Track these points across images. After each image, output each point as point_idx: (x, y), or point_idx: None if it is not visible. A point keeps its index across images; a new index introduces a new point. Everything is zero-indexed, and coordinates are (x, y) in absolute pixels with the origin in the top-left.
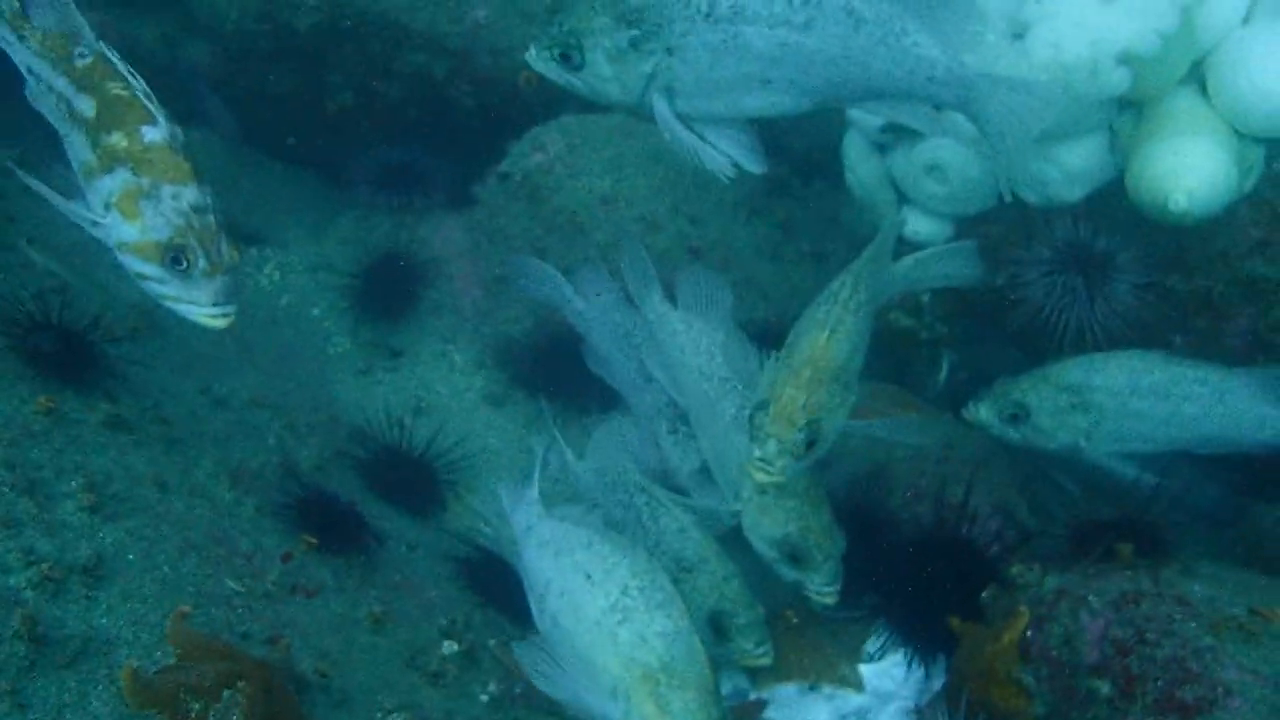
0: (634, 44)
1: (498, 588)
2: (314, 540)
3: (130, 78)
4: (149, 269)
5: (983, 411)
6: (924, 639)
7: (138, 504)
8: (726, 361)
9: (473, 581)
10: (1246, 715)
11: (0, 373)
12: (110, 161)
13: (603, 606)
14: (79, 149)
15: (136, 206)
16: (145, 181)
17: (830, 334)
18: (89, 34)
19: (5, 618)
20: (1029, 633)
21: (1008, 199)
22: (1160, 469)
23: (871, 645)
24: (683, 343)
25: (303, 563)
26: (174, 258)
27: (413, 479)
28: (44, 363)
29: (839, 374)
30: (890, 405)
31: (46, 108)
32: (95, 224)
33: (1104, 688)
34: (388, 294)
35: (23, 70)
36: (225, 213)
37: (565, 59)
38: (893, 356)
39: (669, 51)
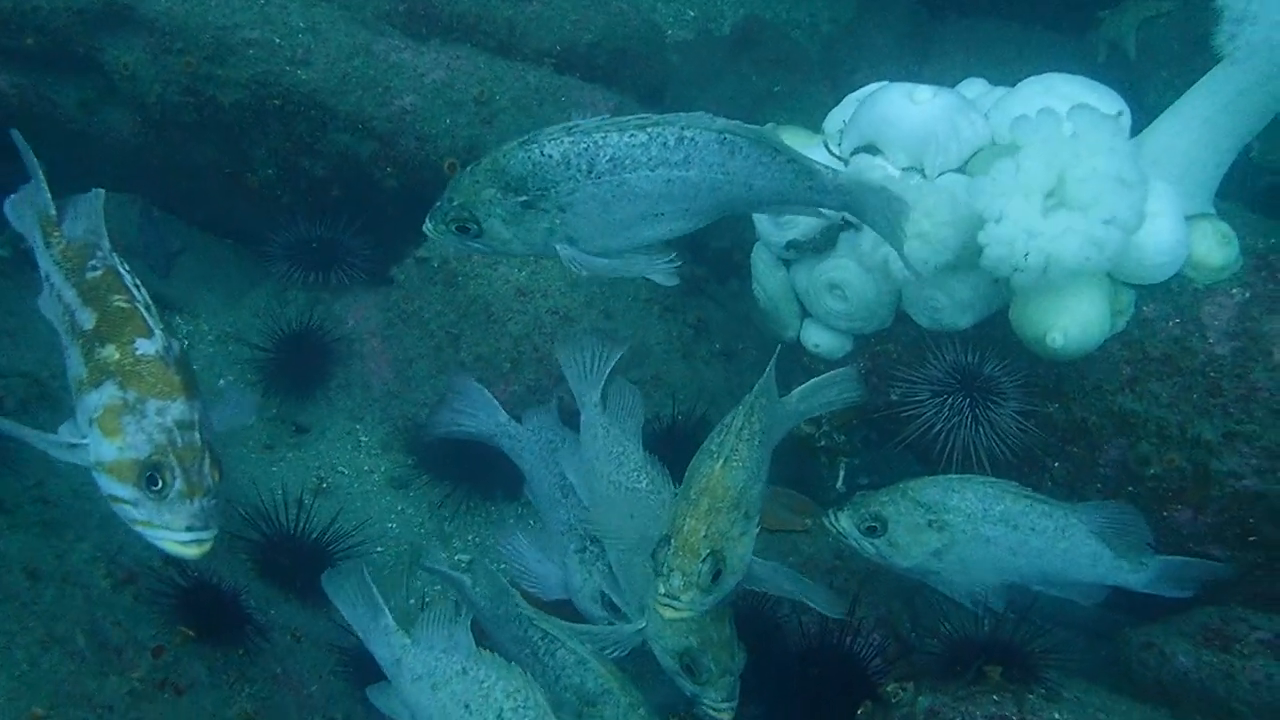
0: (526, 207)
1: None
2: (191, 633)
3: (134, 289)
4: (123, 490)
5: (842, 521)
6: None
7: (3, 594)
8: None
9: (357, 674)
10: None
11: None
12: (99, 375)
13: None
14: (74, 364)
15: (118, 422)
16: (131, 396)
17: (724, 463)
18: (106, 245)
19: None
20: None
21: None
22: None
23: None
24: (599, 449)
25: (176, 656)
26: (150, 477)
27: (308, 564)
28: None
29: (737, 502)
30: (789, 509)
31: (54, 316)
32: (72, 446)
33: None
34: (298, 369)
35: (41, 275)
36: (210, 428)
37: (463, 231)
38: (793, 461)
39: (561, 209)
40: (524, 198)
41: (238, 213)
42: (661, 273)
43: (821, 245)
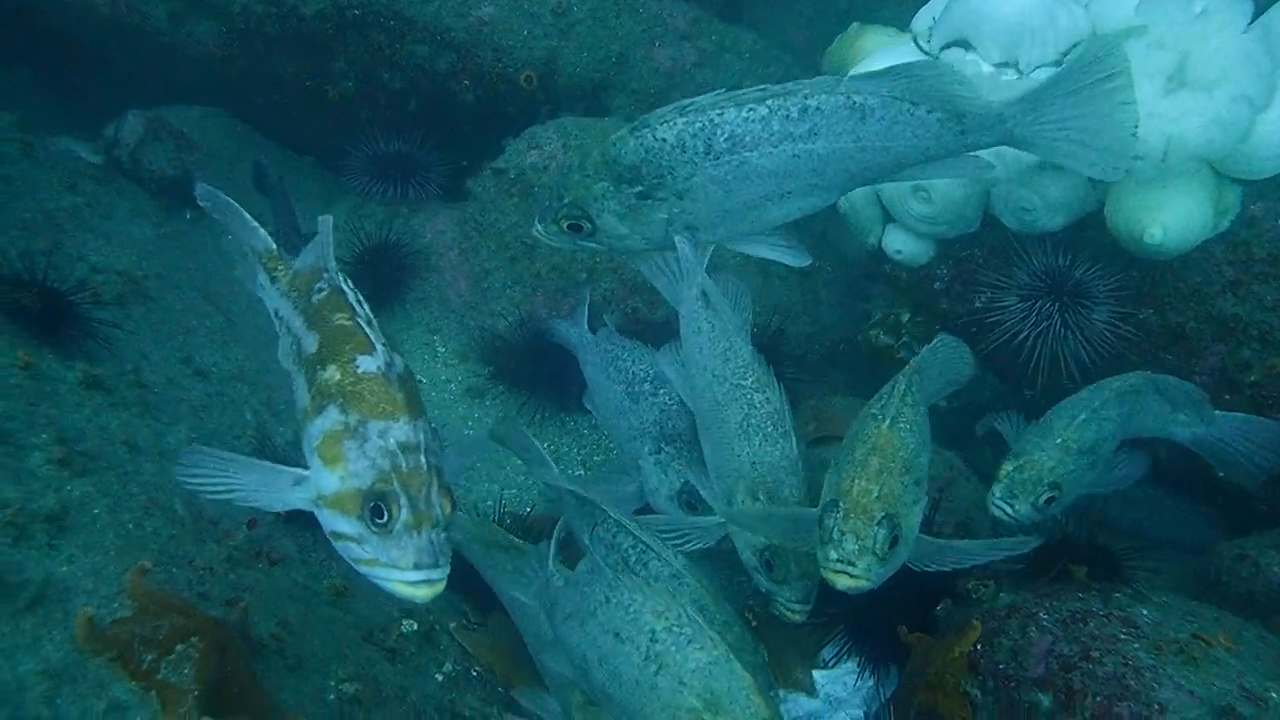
0: (641, 198)
1: (460, 571)
2: (282, 512)
3: (357, 305)
4: (346, 525)
5: (1020, 508)
6: (878, 649)
7: (108, 462)
8: None
9: None
10: None
11: None
12: (322, 400)
13: (637, 662)
14: (300, 393)
15: (339, 448)
16: (352, 419)
17: (891, 423)
18: (333, 266)
19: None
20: (978, 646)
21: (1116, 176)
22: (1151, 505)
23: (827, 652)
24: (703, 342)
25: (269, 532)
26: (374, 508)
27: None
28: (26, 320)
29: (908, 466)
30: None
31: (283, 352)
32: (297, 482)
33: (1045, 700)
34: (376, 282)
35: (270, 313)
36: (437, 452)
37: (575, 229)
38: (871, 374)
39: (679, 196)
40: (639, 188)
41: (317, 128)
42: (791, 255)
43: None
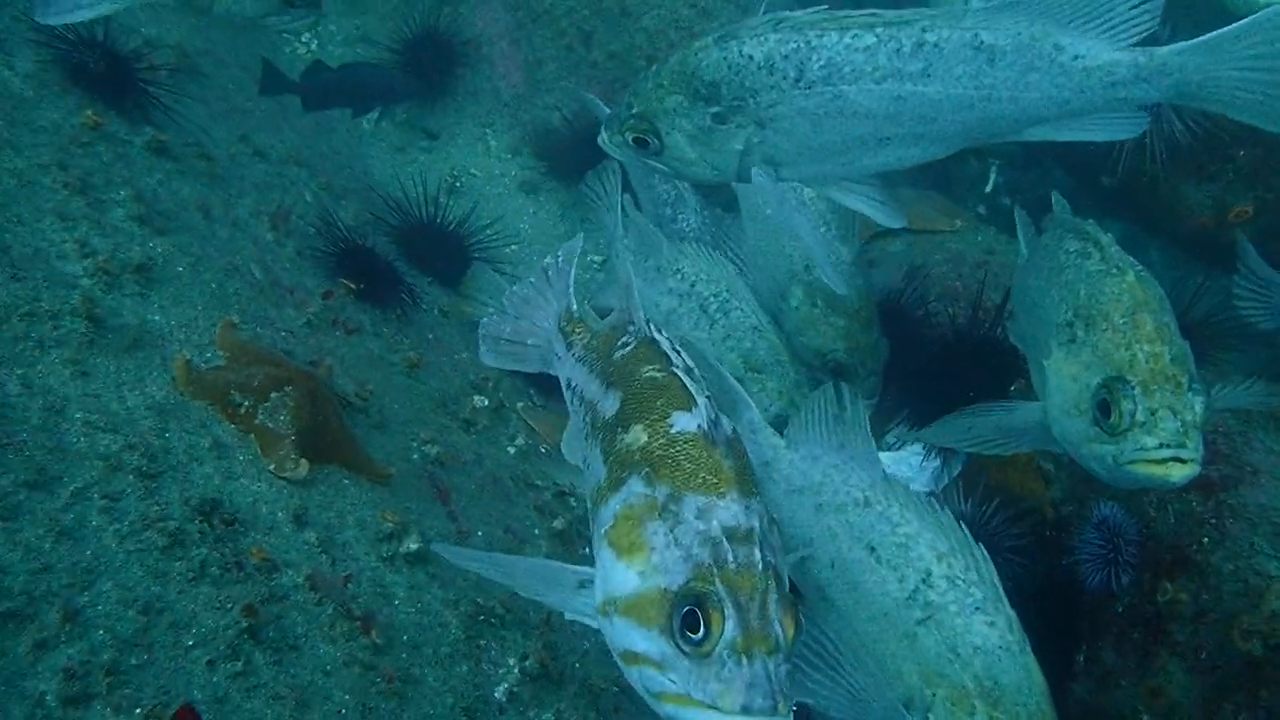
0: (718, 120)
1: None
2: (353, 285)
3: (673, 354)
4: (645, 642)
5: None
6: None
7: (184, 224)
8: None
9: None
10: (1270, 491)
11: (46, 83)
12: (621, 471)
13: (896, 596)
14: (593, 468)
15: (641, 533)
16: (661, 492)
17: (1136, 275)
18: (640, 318)
19: (65, 295)
20: None
21: None
22: None
23: (892, 436)
24: None
25: (342, 304)
26: (688, 615)
27: (446, 252)
28: (89, 81)
29: (1174, 322)
30: (936, 213)
31: (571, 438)
32: (582, 584)
33: None
34: (426, 73)
35: (563, 386)
36: (777, 547)
37: (641, 144)
38: (939, 166)
39: (760, 125)
40: (716, 108)
41: None
42: (882, 212)
43: None
